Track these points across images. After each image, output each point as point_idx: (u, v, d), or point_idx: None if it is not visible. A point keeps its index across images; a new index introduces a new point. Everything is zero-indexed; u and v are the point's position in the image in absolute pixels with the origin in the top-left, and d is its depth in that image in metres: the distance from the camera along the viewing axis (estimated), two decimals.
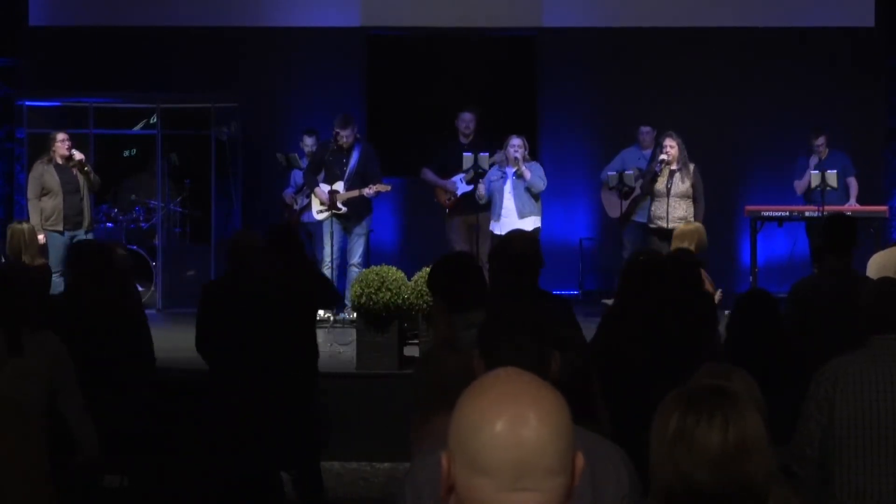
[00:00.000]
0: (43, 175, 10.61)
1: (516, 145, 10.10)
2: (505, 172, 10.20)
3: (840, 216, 6.55)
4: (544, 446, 1.70)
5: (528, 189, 10.10)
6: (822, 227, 6.44)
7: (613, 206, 11.35)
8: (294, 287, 6.16)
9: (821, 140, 11.39)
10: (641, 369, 4.70)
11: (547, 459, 1.70)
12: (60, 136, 10.74)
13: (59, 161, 10.66)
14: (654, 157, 10.95)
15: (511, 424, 1.70)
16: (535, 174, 10.11)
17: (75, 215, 10.66)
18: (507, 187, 10.16)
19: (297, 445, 6.12)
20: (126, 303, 6.41)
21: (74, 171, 10.73)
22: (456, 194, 10.66)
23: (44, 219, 10.54)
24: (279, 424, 5.85)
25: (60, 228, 10.56)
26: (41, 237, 10.39)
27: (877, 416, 4.00)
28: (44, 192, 10.61)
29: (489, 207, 10.29)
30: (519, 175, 10.09)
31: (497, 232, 10.22)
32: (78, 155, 10.73)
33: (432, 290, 4.78)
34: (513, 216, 10.13)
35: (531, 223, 10.04)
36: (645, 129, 11.33)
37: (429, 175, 10.95)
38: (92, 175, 10.81)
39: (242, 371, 5.86)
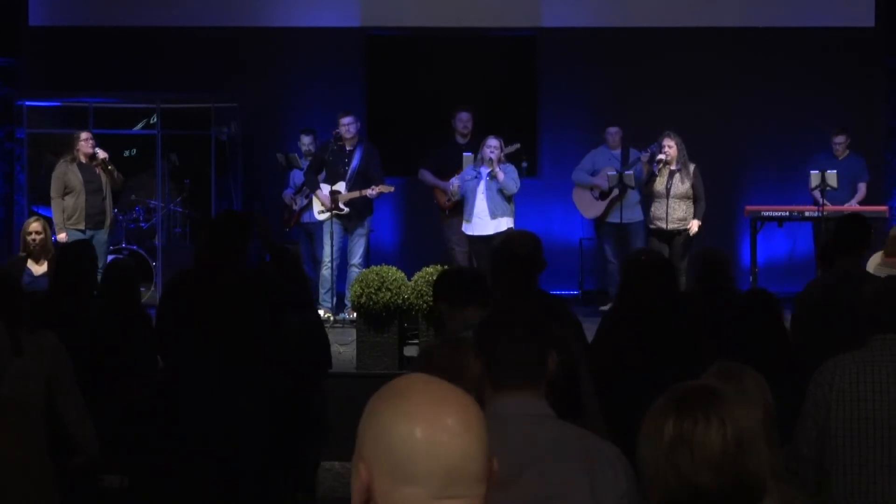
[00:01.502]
0: (66, 174, 10.69)
1: (493, 146, 10.11)
2: (479, 172, 10.21)
3: (854, 216, 6.55)
4: (473, 452, 1.67)
5: (500, 191, 10.10)
6: (834, 227, 6.43)
7: (588, 207, 11.34)
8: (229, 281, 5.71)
9: (840, 139, 11.41)
10: (639, 370, 4.70)
11: (475, 465, 1.68)
12: (84, 134, 10.83)
13: (83, 160, 10.73)
14: (624, 156, 11.03)
15: (441, 431, 1.66)
16: (508, 176, 10.11)
17: (97, 214, 10.73)
18: (481, 188, 10.17)
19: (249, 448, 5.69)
20: (120, 301, 6.42)
21: (97, 169, 10.80)
22: (456, 195, 10.66)
23: (66, 217, 10.61)
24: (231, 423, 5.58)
25: (82, 227, 10.62)
26: (63, 236, 10.49)
27: (874, 416, 3.99)
28: (66, 190, 10.67)
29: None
30: (493, 176, 10.10)
31: (469, 232, 10.26)
32: (101, 154, 10.79)
33: (435, 297, 4.84)
34: (485, 217, 10.15)
35: (503, 224, 10.06)
36: (612, 129, 11.33)
37: (427, 176, 10.94)
38: (115, 174, 10.88)
39: (196, 367, 5.62)
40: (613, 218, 10.99)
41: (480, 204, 10.17)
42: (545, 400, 2.84)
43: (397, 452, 1.66)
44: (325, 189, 10.48)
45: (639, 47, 12.77)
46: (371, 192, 10.32)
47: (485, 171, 10.15)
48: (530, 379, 2.82)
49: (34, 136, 12.72)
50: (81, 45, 12.82)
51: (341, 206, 10.40)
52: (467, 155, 10.56)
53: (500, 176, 10.05)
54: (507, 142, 10.53)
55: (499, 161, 10.09)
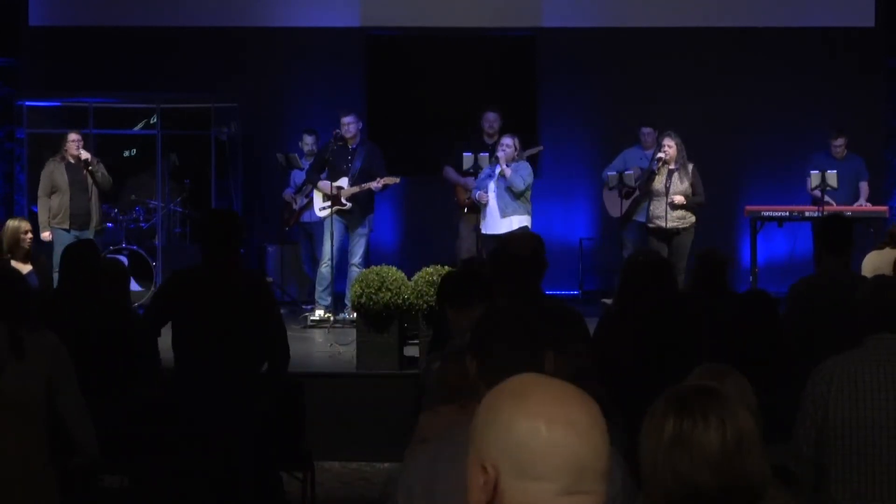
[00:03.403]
0: (53, 173, 10.73)
1: (505, 144, 10.13)
2: (494, 171, 10.22)
3: (835, 216, 6.58)
4: (602, 449, 1.72)
5: (509, 188, 10.12)
6: (818, 227, 6.47)
7: (615, 206, 11.36)
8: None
9: (840, 141, 11.43)
10: (638, 370, 4.71)
11: (603, 462, 1.72)
12: (73, 135, 10.85)
13: (71, 160, 10.74)
14: (654, 157, 10.98)
15: (570, 428, 1.70)
16: (516, 174, 10.11)
17: (82, 214, 10.73)
18: (492, 186, 10.19)
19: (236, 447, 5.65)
20: (121, 303, 6.42)
21: (84, 170, 10.80)
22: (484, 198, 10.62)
23: (51, 216, 10.63)
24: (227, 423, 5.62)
25: (67, 226, 10.62)
26: (46, 234, 10.49)
27: (872, 416, 4.00)
28: (53, 189, 10.69)
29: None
30: (501, 174, 10.11)
31: (483, 231, 10.27)
32: (84, 154, 10.79)
33: (439, 301, 4.87)
34: (495, 215, 10.16)
35: (516, 223, 10.05)
36: (646, 129, 11.34)
37: (450, 173, 10.97)
38: (99, 175, 10.86)
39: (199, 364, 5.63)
40: (640, 217, 11.00)
41: (491, 202, 10.18)
42: None
43: (525, 450, 1.70)
44: (328, 183, 10.48)
45: (639, 47, 12.77)
46: (376, 184, 10.31)
47: (498, 169, 10.17)
48: None
49: (34, 136, 12.72)
50: (81, 45, 12.83)
51: (343, 201, 10.39)
52: (467, 155, 10.54)
53: (507, 173, 10.06)
54: (529, 143, 10.55)
55: (511, 159, 10.10)
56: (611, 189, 11.25)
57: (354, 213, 10.48)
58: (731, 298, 6.66)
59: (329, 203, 10.46)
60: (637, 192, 11.00)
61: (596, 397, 3.62)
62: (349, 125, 10.42)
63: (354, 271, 10.40)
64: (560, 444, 1.69)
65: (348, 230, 10.60)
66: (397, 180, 10.51)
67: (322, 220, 10.64)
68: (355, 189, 10.37)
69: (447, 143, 11.13)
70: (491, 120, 10.91)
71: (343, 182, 10.44)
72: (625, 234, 11.28)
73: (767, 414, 3.14)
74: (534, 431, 1.70)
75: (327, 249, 10.51)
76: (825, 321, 5.48)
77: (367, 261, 10.66)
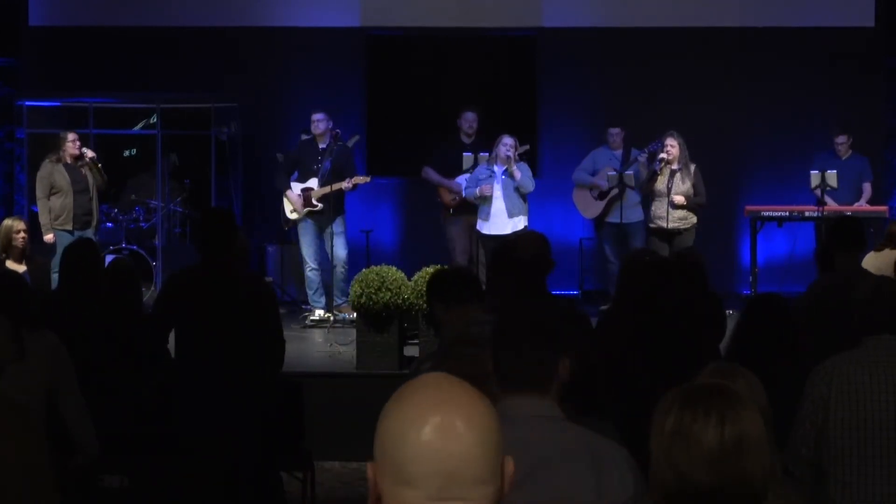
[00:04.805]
0: (52, 174, 10.64)
1: (508, 144, 10.10)
2: (493, 171, 10.19)
3: (848, 217, 6.59)
4: (472, 456, 1.65)
5: (517, 189, 10.10)
6: (831, 228, 6.46)
7: (588, 207, 11.35)
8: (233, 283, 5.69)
9: (842, 139, 11.43)
10: (640, 371, 4.70)
11: (474, 469, 1.65)
12: (71, 136, 10.78)
13: (69, 160, 10.70)
14: (625, 157, 11.03)
15: (437, 434, 1.64)
16: (524, 175, 10.10)
17: (84, 214, 10.69)
18: (497, 187, 10.15)
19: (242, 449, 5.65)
20: (122, 301, 6.41)
21: (83, 170, 10.76)
22: (461, 194, 10.63)
23: (53, 218, 10.57)
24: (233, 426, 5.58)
25: (70, 227, 10.57)
26: (50, 237, 10.45)
27: (871, 417, 4.00)
28: (53, 191, 10.63)
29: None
30: (510, 175, 10.09)
31: (485, 231, 10.23)
32: (89, 153, 10.77)
33: (430, 298, 4.87)
34: (502, 216, 10.12)
35: (520, 223, 10.07)
36: (613, 130, 11.35)
37: (431, 174, 10.95)
38: (102, 173, 10.85)
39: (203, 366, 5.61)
40: (613, 218, 11.00)
41: (497, 203, 10.13)
42: (554, 402, 2.84)
43: (396, 455, 1.66)
44: (296, 188, 10.49)
45: (639, 47, 12.77)
46: (347, 184, 10.31)
47: (500, 169, 10.14)
48: (535, 383, 2.82)
49: (34, 136, 12.71)
50: (81, 45, 12.82)
51: (314, 202, 10.39)
52: (467, 155, 10.55)
53: (517, 175, 10.03)
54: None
55: (514, 159, 10.09)
56: (611, 188, 11.24)
57: (326, 214, 10.46)
58: (713, 299, 6.67)
59: (299, 208, 10.48)
60: (612, 194, 10.98)
61: (601, 395, 3.62)
62: (318, 122, 10.43)
63: (340, 273, 10.40)
64: (426, 450, 1.64)
65: (321, 232, 10.58)
66: (368, 180, 10.51)
67: (296, 221, 10.61)
68: (325, 190, 10.34)
69: (447, 143, 11.12)
70: (470, 120, 10.91)
71: (313, 182, 10.43)
72: (602, 235, 11.29)
73: (777, 416, 3.14)
74: (403, 435, 1.65)
75: (308, 252, 10.52)
76: (838, 321, 5.47)
77: (368, 260, 10.65)
